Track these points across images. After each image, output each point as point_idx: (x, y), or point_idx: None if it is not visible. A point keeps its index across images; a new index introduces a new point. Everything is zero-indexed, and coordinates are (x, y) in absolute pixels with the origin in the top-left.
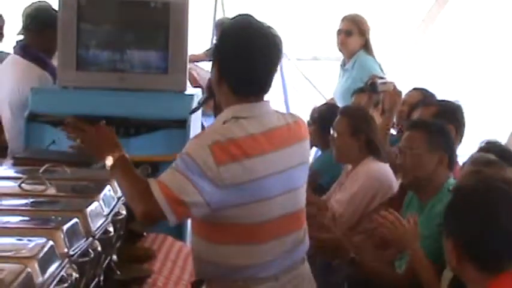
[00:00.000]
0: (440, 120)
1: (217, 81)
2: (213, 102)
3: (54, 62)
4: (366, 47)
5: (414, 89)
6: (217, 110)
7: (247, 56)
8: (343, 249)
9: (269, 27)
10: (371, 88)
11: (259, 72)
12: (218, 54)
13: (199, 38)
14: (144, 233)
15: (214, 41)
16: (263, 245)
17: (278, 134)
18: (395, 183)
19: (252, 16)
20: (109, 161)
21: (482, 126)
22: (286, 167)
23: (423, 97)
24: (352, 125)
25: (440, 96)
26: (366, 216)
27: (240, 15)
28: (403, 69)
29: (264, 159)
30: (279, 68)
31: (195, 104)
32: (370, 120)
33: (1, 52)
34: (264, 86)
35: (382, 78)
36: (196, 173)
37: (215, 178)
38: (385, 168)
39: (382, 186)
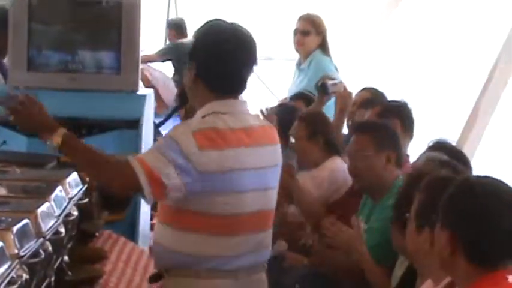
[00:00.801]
0: (385, 117)
1: (193, 81)
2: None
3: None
4: (323, 46)
5: (364, 89)
6: (188, 115)
7: (223, 55)
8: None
9: (242, 27)
10: (322, 89)
11: (234, 71)
12: (194, 54)
13: (152, 38)
14: (96, 234)
15: (167, 42)
16: (231, 238)
17: (255, 132)
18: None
19: (223, 20)
20: (55, 139)
21: (434, 126)
22: (261, 165)
23: (372, 96)
24: (308, 128)
25: (392, 96)
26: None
27: (212, 19)
28: (358, 69)
29: (242, 152)
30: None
31: (147, 105)
32: (327, 121)
33: None
34: (239, 84)
35: (332, 79)
36: (179, 156)
37: (196, 162)
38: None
39: (346, 182)
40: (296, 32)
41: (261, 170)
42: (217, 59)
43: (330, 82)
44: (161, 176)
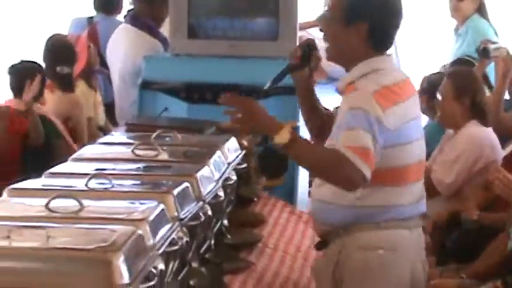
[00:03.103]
0: None
1: (359, 41)
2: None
3: (163, 31)
4: (480, 10)
5: None
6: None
7: (395, 12)
8: None
9: None
10: (483, 53)
11: (398, 28)
12: (365, 13)
13: (310, 4)
14: (254, 199)
15: (324, 8)
16: (403, 187)
17: (406, 84)
18: (498, 147)
19: None
20: (281, 137)
21: None
22: (417, 115)
23: None
24: (456, 88)
25: None
26: (467, 182)
27: None
28: None
29: (409, 104)
30: None
31: None
32: (477, 83)
33: (117, 21)
34: (393, 40)
35: (494, 43)
36: (368, 121)
37: (385, 123)
38: (487, 133)
39: (483, 151)
40: None
41: (417, 120)
42: (391, 17)
43: (492, 46)
44: (367, 146)
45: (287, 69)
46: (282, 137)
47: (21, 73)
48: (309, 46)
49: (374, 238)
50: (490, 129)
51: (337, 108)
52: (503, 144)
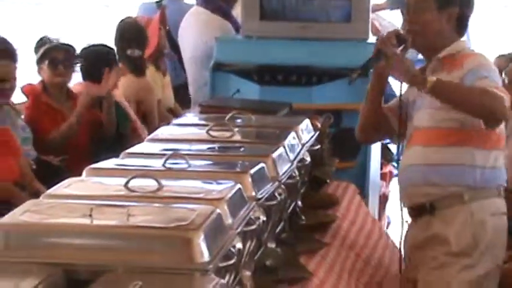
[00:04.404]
0: None
1: (451, 26)
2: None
3: (234, 13)
4: None
5: None
6: None
7: None
8: None
9: None
10: None
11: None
12: None
13: None
14: (327, 180)
15: None
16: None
17: None
18: None
19: None
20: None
21: None
22: None
23: None
24: None
25: None
26: None
27: None
28: None
29: None
30: None
31: None
32: None
33: (186, 4)
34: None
35: None
36: (496, 77)
37: None
38: None
39: None
40: None
41: None
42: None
43: None
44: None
45: (376, 57)
46: (431, 79)
47: (95, 57)
48: (400, 35)
49: (499, 205)
50: None
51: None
52: None
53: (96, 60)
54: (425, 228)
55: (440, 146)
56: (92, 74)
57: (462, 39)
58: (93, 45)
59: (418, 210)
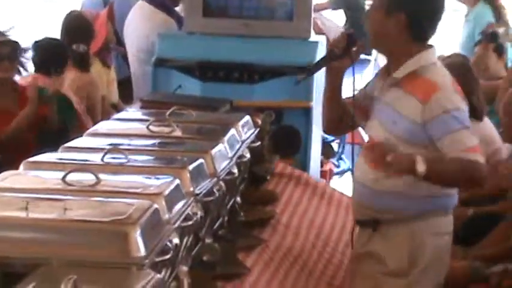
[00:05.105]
0: None
1: (398, 31)
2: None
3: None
4: None
5: None
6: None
7: (436, 4)
8: None
9: None
10: (491, 38)
11: (440, 18)
12: (404, 3)
13: None
14: (267, 177)
15: None
16: None
17: None
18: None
19: None
20: (421, 166)
21: None
22: None
23: None
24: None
25: None
26: None
27: None
28: None
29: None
30: None
31: (319, 51)
32: (471, 74)
33: None
34: (434, 32)
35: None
36: (466, 117)
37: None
38: (485, 128)
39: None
40: None
41: None
42: (432, 7)
43: (501, 30)
44: (474, 143)
45: (328, 57)
46: (421, 167)
47: (47, 50)
48: (352, 36)
49: (443, 224)
50: (483, 123)
51: (362, 90)
52: None
53: (49, 54)
54: (366, 242)
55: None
56: (43, 67)
57: (430, 49)
58: (46, 39)
59: (362, 223)
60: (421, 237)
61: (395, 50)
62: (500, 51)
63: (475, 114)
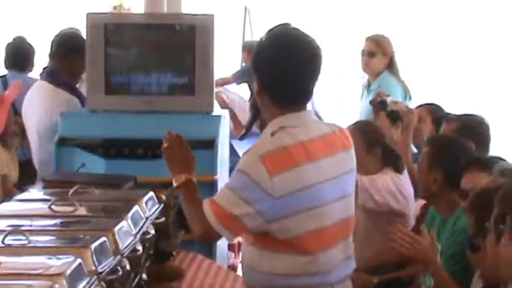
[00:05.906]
0: (461, 135)
1: (258, 94)
2: (259, 120)
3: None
4: (391, 67)
5: (420, 105)
6: (263, 127)
7: (288, 66)
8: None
9: (308, 35)
10: (380, 106)
11: (300, 83)
12: (257, 66)
13: (228, 60)
14: (173, 253)
15: (243, 64)
16: (320, 253)
17: (326, 140)
18: (411, 194)
19: (290, 25)
20: (176, 181)
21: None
22: (338, 173)
23: (428, 113)
24: (365, 140)
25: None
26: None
27: (279, 25)
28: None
29: (315, 166)
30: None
31: (222, 125)
32: (382, 132)
33: (30, 78)
34: (305, 95)
35: (388, 96)
36: (248, 186)
37: (270, 189)
38: (399, 179)
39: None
40: (363, 53)
41: (337, 179)
42: (281, 73)
43: (390, 99)
44: (231, 209)
45: None
46: (177, 180)
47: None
48: None
49: None
50: (403, 176)
51: None
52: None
53: None
54: None
55: (250, 245)
56: None
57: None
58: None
59: None
60: None
61: (264, 113)
62: (393, 117)
63: (396, 163)
